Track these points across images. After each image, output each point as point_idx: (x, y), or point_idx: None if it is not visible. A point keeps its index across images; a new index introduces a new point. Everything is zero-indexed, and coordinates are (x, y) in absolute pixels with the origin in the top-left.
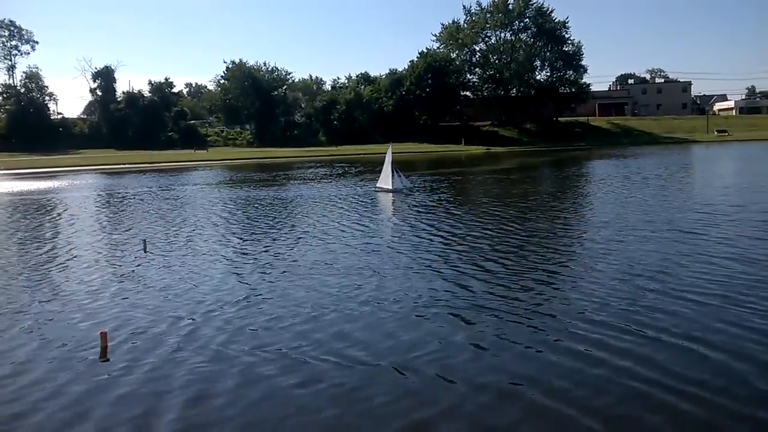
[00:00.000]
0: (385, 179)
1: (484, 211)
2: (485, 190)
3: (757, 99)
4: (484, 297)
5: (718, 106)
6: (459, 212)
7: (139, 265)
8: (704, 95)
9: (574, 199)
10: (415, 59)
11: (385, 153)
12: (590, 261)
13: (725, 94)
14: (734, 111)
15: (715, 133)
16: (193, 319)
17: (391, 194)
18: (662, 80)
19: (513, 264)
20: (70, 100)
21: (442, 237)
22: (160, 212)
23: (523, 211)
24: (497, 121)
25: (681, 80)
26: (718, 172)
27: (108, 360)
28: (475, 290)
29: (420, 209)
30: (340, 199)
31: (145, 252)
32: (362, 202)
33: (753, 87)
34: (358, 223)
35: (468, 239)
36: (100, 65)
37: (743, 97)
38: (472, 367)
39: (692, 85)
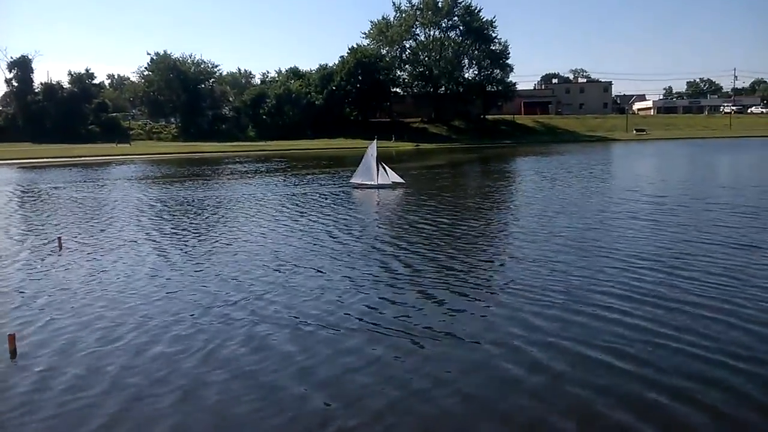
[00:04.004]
0: (366, 174)
1: (469, 203)
2: (449, 184)
3: (674, 99)
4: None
5: (637, 105)
6: (441, 204)
7: (52, 264)
8: (624, 95)
9: (527, 193)
10: (346, 55)
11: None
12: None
13: (644, 95)
14: (652, 110)
15: (634, 131)
16: (106, 319)
17: (375, 190)
18: (584, 80)
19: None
20: None
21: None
22: (77, 209)
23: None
24: (427, 118)
25: (602, 80)
26: (641, 169)
27: (16, 362)
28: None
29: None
30: (322, 197)
31: (60, 250)
32: (350, 200)
33: (670, 87)
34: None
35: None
36: (17, 55)
37: (661, 97)
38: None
39: (613, 85)
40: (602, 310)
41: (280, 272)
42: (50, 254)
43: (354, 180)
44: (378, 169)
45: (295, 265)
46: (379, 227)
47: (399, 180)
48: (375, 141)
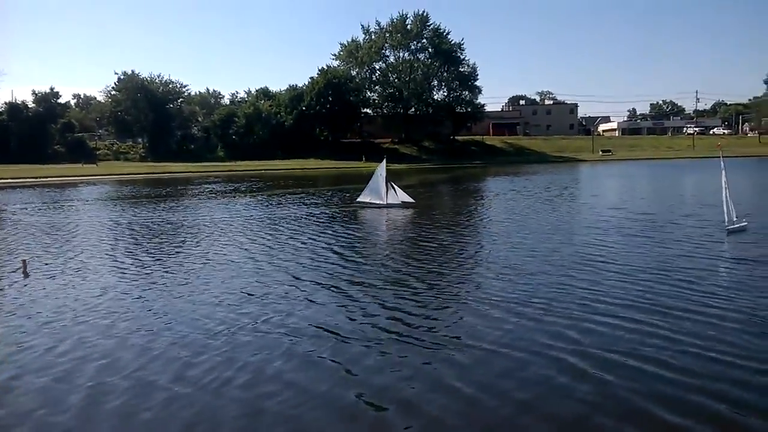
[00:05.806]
0: (375, 194)
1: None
2: (432, 203)
3: (638, 121)
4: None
5: (602, 127)
6: (433, 222)
7: (17, 290)
8: (590, 117)
9: (506, 213)
10: (316, 75)
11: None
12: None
13: (609, 116)
14: (617, 132)
15: (600, 152)
16: (76, 350)
17: (384, 209)
18: (551, 102)
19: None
20: None
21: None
22: (45, 231)
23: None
24: (397, 139)
25: (568, 102)
26: (614, 188)
27: None
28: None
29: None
30: (326, 217)
31: (26, 275)
32: (360, 220)
33: (634, 109)
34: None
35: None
36: None
37: (625, 118)
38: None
39: (578, 107)
40: (594, 322)
41: (298, 290)
42: (16, 279)
43: (362, 199)
44: (387, 189)
45: (307, 282)
46: (387, 245)
47: (408, 199)
48: (384, 161)
